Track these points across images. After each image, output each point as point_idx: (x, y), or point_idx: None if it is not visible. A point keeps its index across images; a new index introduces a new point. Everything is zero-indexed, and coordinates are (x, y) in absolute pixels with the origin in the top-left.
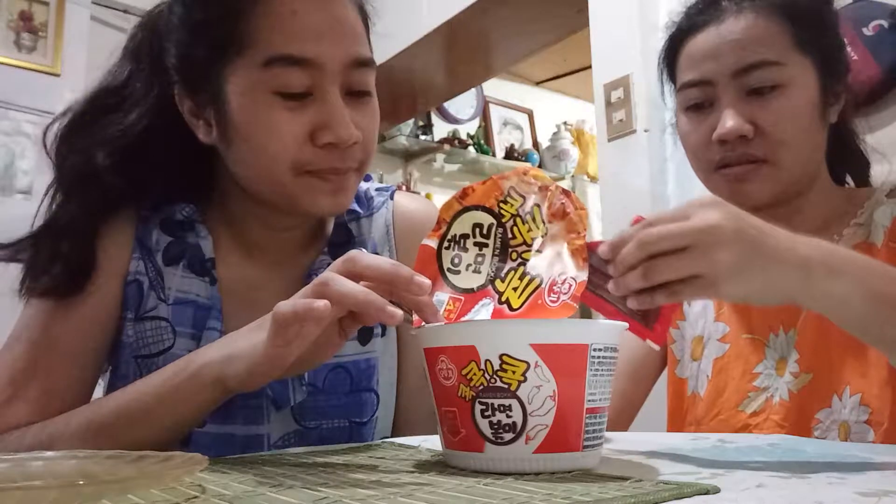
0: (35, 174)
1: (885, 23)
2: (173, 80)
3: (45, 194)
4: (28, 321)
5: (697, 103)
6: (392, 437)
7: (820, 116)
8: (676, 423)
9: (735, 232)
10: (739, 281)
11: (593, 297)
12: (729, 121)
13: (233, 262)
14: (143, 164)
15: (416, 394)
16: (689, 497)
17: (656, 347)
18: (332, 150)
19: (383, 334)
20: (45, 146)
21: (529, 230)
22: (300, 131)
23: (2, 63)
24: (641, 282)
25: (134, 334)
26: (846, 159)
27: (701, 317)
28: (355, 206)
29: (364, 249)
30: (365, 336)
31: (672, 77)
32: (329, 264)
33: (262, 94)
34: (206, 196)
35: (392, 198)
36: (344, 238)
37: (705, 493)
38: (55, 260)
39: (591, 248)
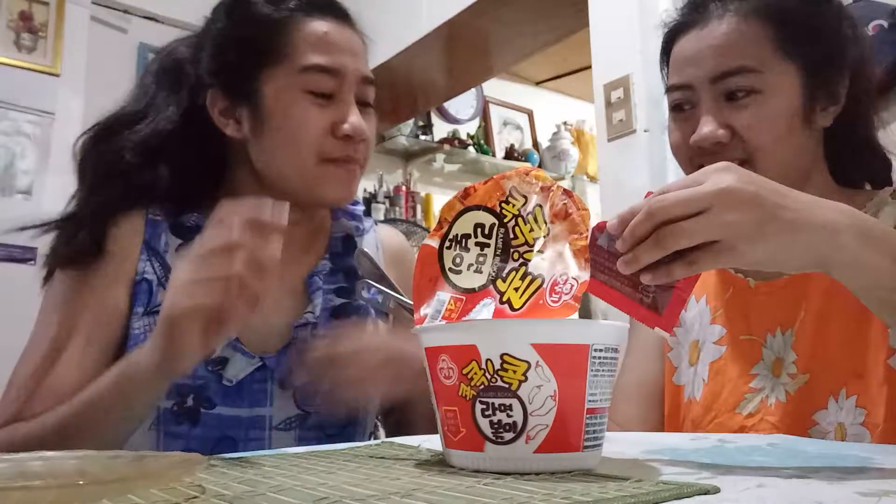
0: (35, 174)
1: (884, 23)
2: (207, 86)
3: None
4: (47, 317)
5: (680, 105)
6: (392, 433)
7: (803, 121)
8: (673, 429)
9: (751, 194)
10: (758, 244)
11: (600, 286)
12: (705, 127)
13: None
14: (163, 165)
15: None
16: (689, 497)
17: (666, 335)
18: (348, 142)
19: None
20: (74, 154)
21: (531, 230)
22: (324, 124)
23: (2, 63)
24: (654, 251)
25: (141, 326)
26: (861, 161)
27: (696, 320)
28: (356, 221)
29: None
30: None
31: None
32: (330, 269)
33: (297, 92)
34: (214, 202)
35: (375, 224)
36: (343, 248)
37: (705, 493)
38: (74, 240)
39: (599, 228)
